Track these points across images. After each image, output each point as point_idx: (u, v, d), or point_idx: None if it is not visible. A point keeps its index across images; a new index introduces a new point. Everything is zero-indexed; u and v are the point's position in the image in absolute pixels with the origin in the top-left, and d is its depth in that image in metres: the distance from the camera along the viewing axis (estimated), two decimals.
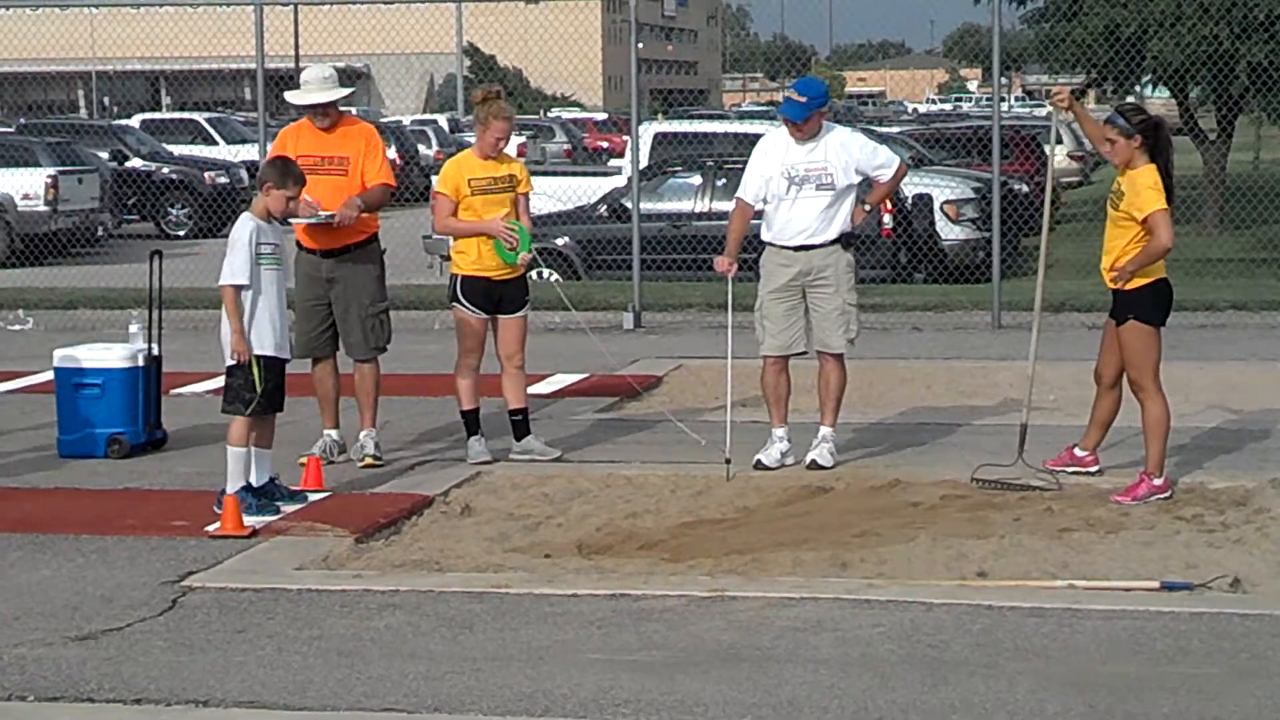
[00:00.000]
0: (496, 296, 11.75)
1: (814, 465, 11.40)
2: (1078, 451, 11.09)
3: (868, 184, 11.72)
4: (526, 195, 11.94)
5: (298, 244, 11.91)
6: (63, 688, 7.34)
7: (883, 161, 11.64)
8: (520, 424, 11.95)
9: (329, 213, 11.51)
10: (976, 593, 8.58)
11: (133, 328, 12.60)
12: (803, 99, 11.36)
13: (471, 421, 11.87)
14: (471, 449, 11.80)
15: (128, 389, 12.15)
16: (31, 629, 8.16)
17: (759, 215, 11.63)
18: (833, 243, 11.45)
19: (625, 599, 8.53)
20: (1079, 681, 7.30)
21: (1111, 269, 10.55)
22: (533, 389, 14.46)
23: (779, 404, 11.59)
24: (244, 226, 10.37)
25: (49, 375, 12.85)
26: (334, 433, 11.95)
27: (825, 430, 11.58)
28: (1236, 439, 12.39)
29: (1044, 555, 9.28)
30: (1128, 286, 10.52)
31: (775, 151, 11.52)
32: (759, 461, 11.42)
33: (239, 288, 10.29)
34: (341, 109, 11.88)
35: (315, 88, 11.73)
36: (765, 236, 11.61)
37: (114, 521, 10.21)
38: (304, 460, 11.24)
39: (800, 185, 11.38)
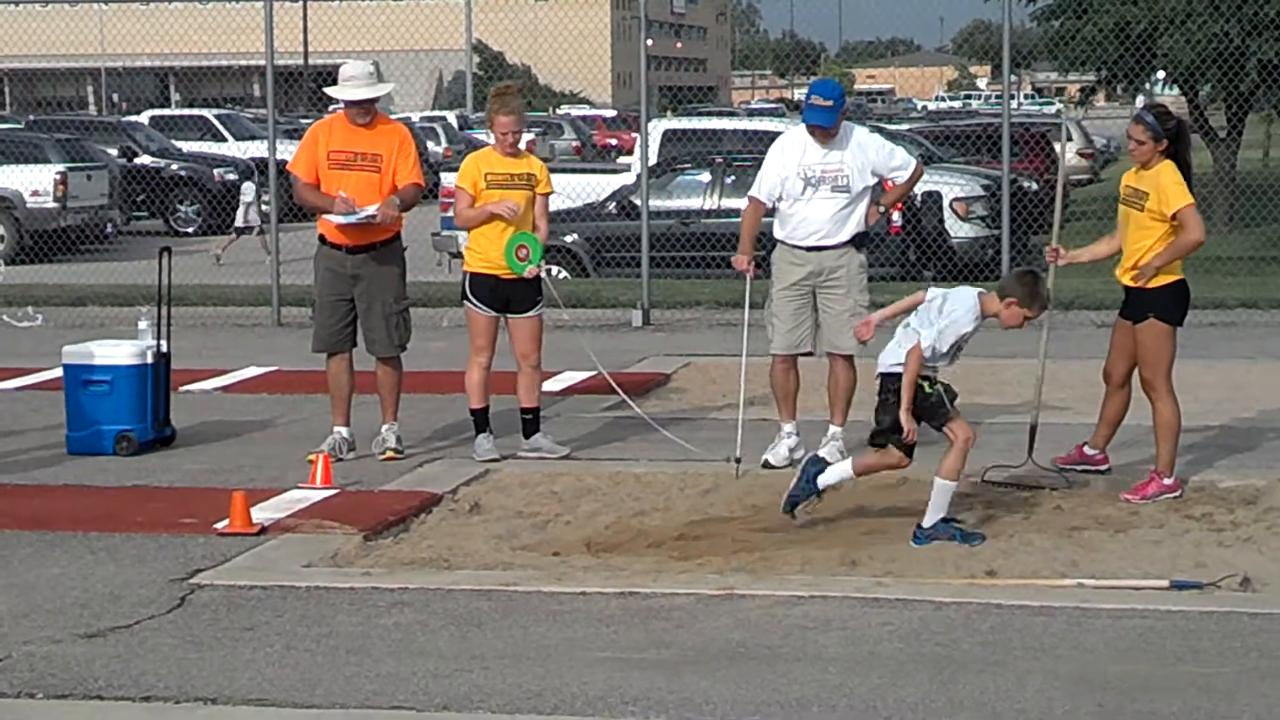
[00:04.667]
0: (504, 295, 11.74)
1: None
2: (1087, 450, 11.07)
3: (881, 185, 11.68)
4: (546, 196, 11.92)
5: (321, 238, 11.90)
6: (71, 685, 7.34)
7: (899, 163, 11.55)
8: (530, 422, 11.96)
9: (370, 211, 11.50)
10: (985, 591, 8.57)
11: (142, 324, 12.59)
12: (828, 103, 11.20)
13: (480, 419, 11.85)
14: (479, 446, 11.80)
15: (136, 386, 12.15)
16: (40, 626, 8.16)
17: (770, 213, 11.59)
18: (845, 244, 11.41)
19: (634, 597, 8.52)
20: (1088, 680, 7.29)
21: (1133, 268, 10.54)
22: (542, 386, 14.47)
23: (787, 400, 11.58)
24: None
25: (58, 372, 12.85)
26: (344, 430, 11.94)
27: (835, 429, 11.57)
28: (1246, 437, 12.37)
29: (1053, 554, 9.27)
30: (1150, 285, 10.50)
31: (793, 150, 11.43)
32: (766, 461, 11.41)
33: None
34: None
35: (361, 83, 11.71)
36: (778, 235, 11.55)
37: (122, 519, 10.21)
38: (312, 457, 11.23)
39: (816, 186, 11.31)
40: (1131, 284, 10.61)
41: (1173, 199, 10.41)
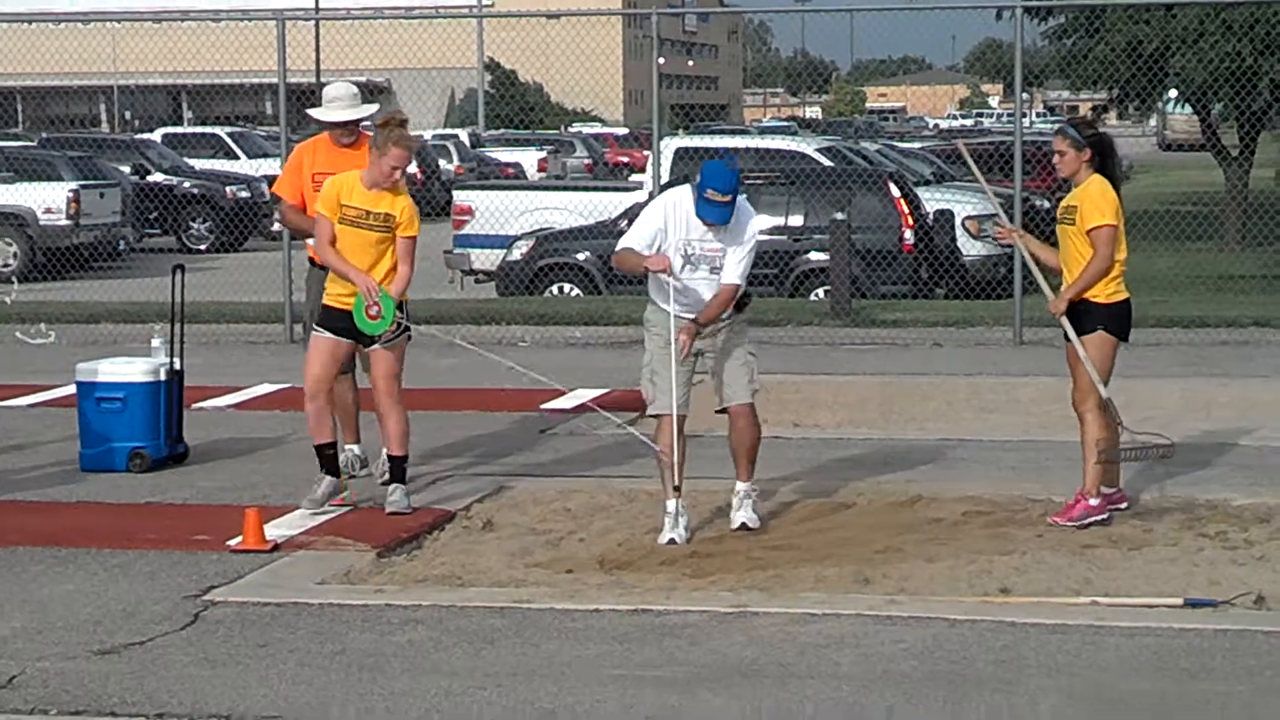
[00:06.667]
0: (356, 329, 10.73)
1: (743, 528, 10.26)
2: (1104, 489, 10.83)
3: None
4: (411, 240, 10.75)
5: (310, 260, 11.90)
6: (85, 702, 7.34)
7: (731, 269, 10.12)
8: (392, 470, 11.03)
9: None
10: (999, 609, 8.56)
11: (155, 342, 12.60)
12: (726, 198, 9.96)
13: (320, 456, 10.87)
14: (315, 491, 10.82)
15: (149, 403, 12.16)
16: (54, 643, 8.16)
17: None
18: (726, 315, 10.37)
19: (647, 614, 8.52)
20: (1102, 699, 7.28)
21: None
22: (554, 404, 14.50)
23: (680, 469, 10.23)
24: None
25: (71, 389, 12.87)
26: (355, 447, 11.94)
27: (742, 486, 10.36)
28: (1260, 455, 12.36)
29: (1067, 572, 9.26)
30: (1100, 299, 10.38)
31: (676, 222, 10.16)
32: (671, 539, 10.06)
33: None
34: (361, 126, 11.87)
35: (344, 104, 11.66)
36: (654, 295, 10.35)
37: (136, 536, 10.21)
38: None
39: (695, 266, 10.23)
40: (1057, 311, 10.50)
41: (1089, 215, 10.31)
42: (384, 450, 11.58)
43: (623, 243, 10.30)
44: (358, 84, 11.98)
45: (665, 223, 10.18)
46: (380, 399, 10.84)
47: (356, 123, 11.74)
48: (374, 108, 11.89)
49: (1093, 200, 10.34)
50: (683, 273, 10.16)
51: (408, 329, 10.86)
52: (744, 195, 10.29)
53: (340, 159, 11.68)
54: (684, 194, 10.22)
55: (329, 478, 10.85)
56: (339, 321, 10.74)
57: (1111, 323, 10.44)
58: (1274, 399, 14.72)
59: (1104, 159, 10.47)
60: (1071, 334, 10.46)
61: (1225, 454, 12.36)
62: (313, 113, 11.85)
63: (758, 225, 10.43)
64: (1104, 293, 10.39)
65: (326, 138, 11.80)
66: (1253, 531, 10.09)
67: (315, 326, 10.91)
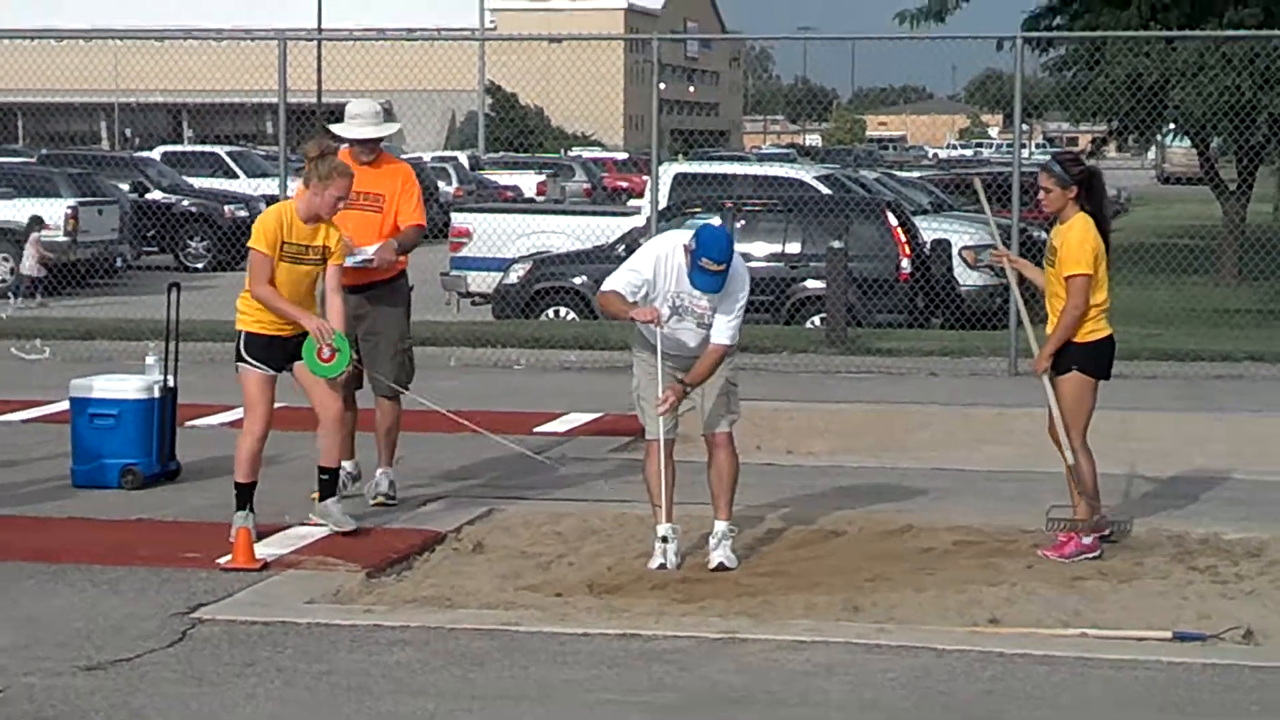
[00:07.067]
0: (288, 352, 10.60)
1: (720, 568, 10.09)
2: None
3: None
4: (339, 268, 10.72)
5: None
6: (71, 718, 7.33)
7: (722, 328, 10.06)
8: (325, 484, 10.86)
9: (368, 254, 11.44)
10: (988, 640, 8.55)
11: (149, 359, 12.60)
12: (720, 267, 9.79)
13: (244, 495, 10.55)
14: (234, 520, 10.39)
15: (143, 420, 12.15)
16: (42, 658, 8.15)
17: None
18: None
19: (636, 639, 8.51)
20: None
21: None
22: (547, 427, 14.50)
23: (668, 495, 10.17)
24: None
25: (64, 405, 12.86)
26: (348, 464, 11.91)
27: (721, 526, 10.22)
28: (1251, 490, 12.35)
29: (1056, 603, 9.25)
30: (1077, 339, 10.32)
31: (666, 274, 10.02)
32: (661, 564, 10.08)
33: None
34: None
35: (367, 121, 11.56)
36: (641, 329, 10.26)
37: (126, 552, 10.20)
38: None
39: (682, 316, 10.16)
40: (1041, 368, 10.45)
41: (1067, 262, 10.23)
42: (379, 471, 11.62)
43: (609, 284, 10.12)
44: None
45: (655, 274, 10.03)
46: (328, 421, 10.74)
47: (378, 141, 11.69)
48: (396, 126, 11.79)
49: (1070, 247, 10.27)
50: (669, 320, 10.08)
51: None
52: (743, 279, 10.11)
53: (359, 176, 11.60)
54: (677, 247, 10.06)
55: (241, 511, 10.47)
56: (276, 352, 10.55)
57: (1087, 362, 10.40)
58: (1267, 434, 14.73)
59: (1091, 195, 10.42)
60: (1051, 397, 10.42)
61: (1217, 488, 12.36)
62: (335, 128, 11.75)
63: (748, 287, 10.20)
64: (1080, 332, 10.35)
65: (346, 154, 11.72)
66: (1243, 566, 10.10)
67: (250, 359, 10.58)
